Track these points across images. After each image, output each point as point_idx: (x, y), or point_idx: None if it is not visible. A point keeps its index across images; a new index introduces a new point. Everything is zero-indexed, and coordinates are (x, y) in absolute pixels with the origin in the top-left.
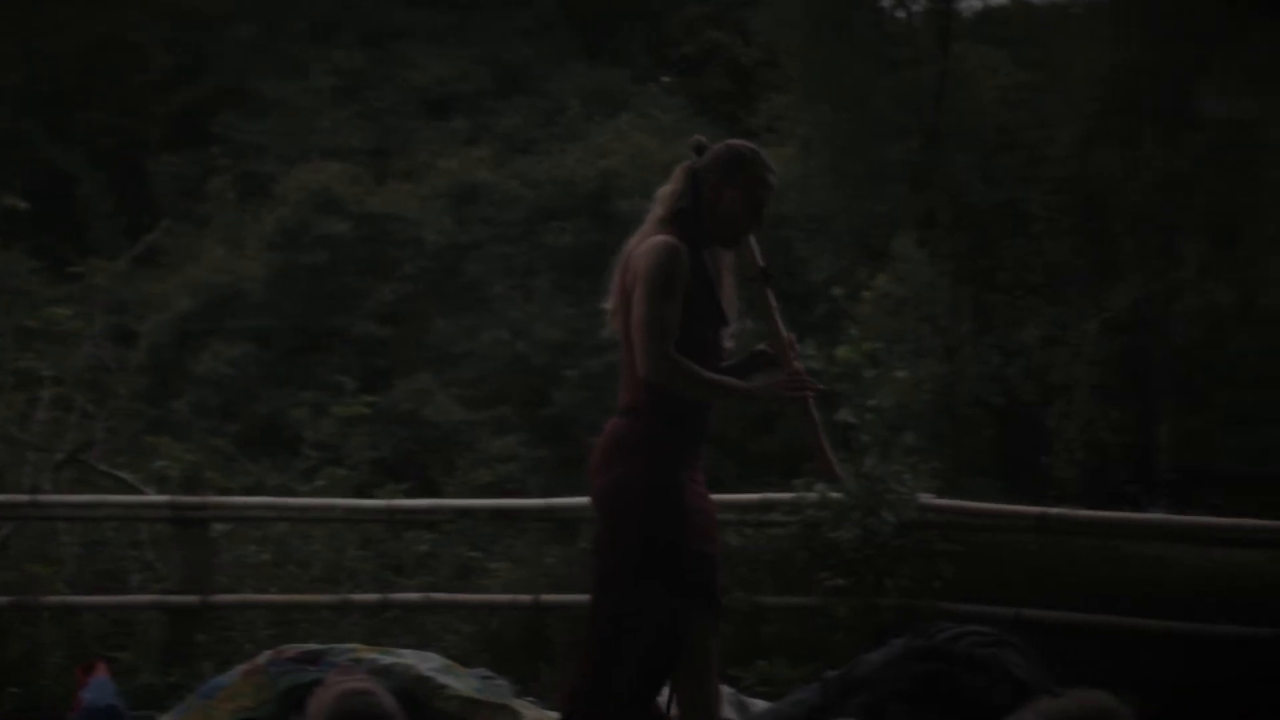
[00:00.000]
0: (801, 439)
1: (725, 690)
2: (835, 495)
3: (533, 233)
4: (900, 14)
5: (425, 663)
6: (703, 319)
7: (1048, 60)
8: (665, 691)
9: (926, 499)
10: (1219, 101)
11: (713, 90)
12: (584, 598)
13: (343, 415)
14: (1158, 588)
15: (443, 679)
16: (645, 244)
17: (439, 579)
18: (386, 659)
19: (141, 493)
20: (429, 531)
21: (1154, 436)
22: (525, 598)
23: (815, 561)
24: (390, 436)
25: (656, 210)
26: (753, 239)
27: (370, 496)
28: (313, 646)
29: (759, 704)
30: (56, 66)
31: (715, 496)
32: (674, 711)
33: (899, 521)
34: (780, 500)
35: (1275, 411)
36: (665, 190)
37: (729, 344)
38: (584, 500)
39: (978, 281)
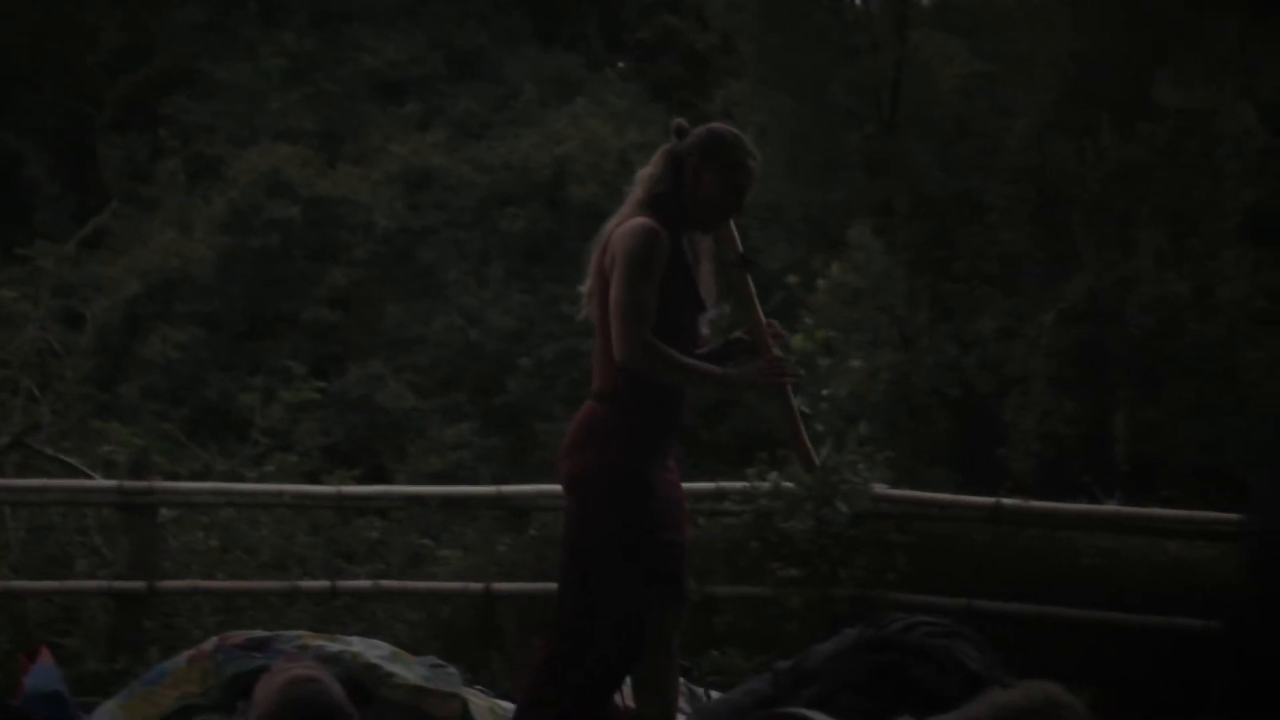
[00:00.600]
0: (763, 426)
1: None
2: (789, 485)
3: (486, 219)
4: (857, 1)
5: (373, 650)
6: (680, 304)
7: (1005, 49)
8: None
9: (881, 489)
10: (1176, 91)
11: (668, 76)
12: (535, 585)
13: (293, 401)
14: (1111, 580)
15: (391, 667)
16: (624, 227)
17: (389, 566)
18: (334, 646)
19: (88, 477)
20: (379, 518)
21: (1110, 428)
22: (476, 585)
23: (768, 551)
24: (341, 422)
25: (636, 192)
26: (732, 224)
27: (320, 483)
28: (260, 633)
29: (712, 694)
30: (3, 47)
31: None
32: (629, 701)
33: (853, 512)
34: (733, 489)
35: (1231, 403)
36: (645, 173)
37: (706, 330)
38: (536, 488)
39: (934, 271)
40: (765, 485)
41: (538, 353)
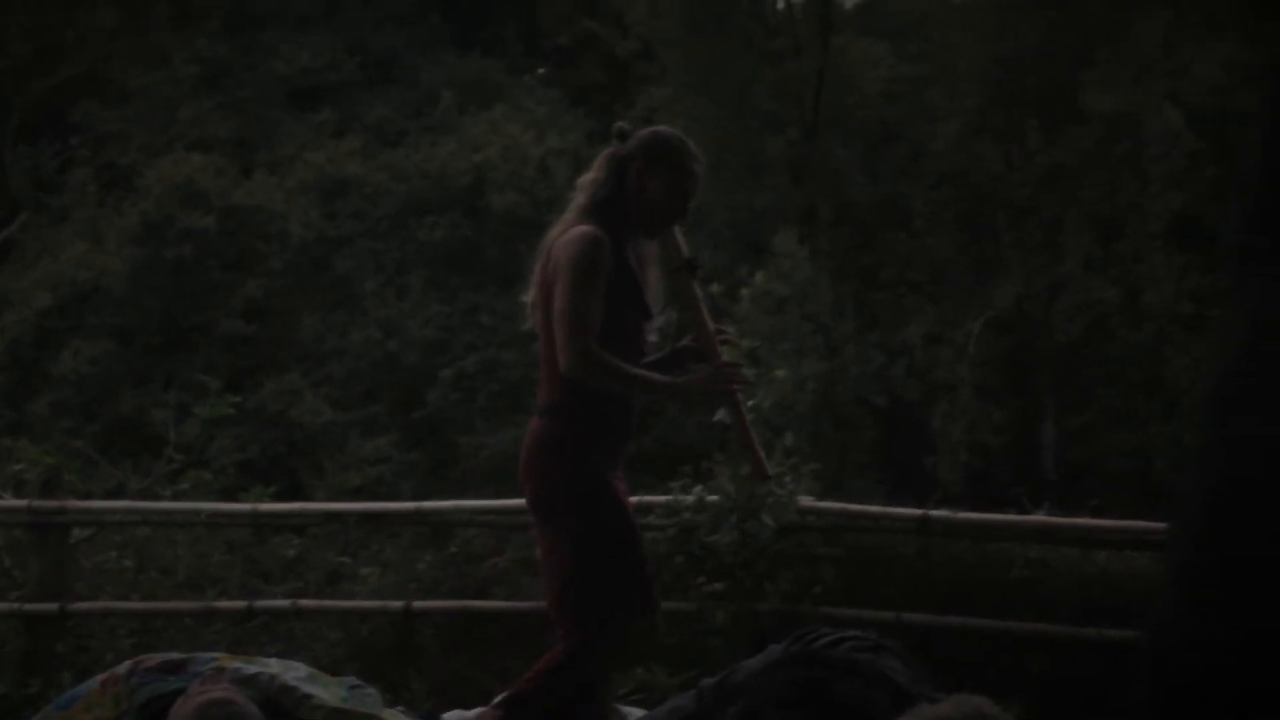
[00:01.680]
0: (685, 439)
1: None
2: (713, 498)
3: (404, 228)
4: (780, 5)
5: (291, 672)
6: (625, 311)
7: (930, 53)
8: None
9: (807, 501)
10: (1102, 94)
11: (588, 82)
12: (456, 604)
13: (207, 416)
14: (1041, 591)
15: (309, 689)
16: (566, 235)
17: (306, 585)
18: (251, 668)
19: None
20: (296, 536)
21: (1038, 436)
22: (396, 604)
23: (692, 566)
24: (257, 438)
25: (578, 199)
26: (677, 229)
27: (236, 500)
28: (175, 655)
29: (636, 712)
30: None
31: None
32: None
33: (778, 525)
34: (656, 503)
35: (1159, 409)
36: (587, 178)
37: (653, 337)
38: (456, 504)
39: (860, 278)
40: (689, 499)
41: (458, 364)
